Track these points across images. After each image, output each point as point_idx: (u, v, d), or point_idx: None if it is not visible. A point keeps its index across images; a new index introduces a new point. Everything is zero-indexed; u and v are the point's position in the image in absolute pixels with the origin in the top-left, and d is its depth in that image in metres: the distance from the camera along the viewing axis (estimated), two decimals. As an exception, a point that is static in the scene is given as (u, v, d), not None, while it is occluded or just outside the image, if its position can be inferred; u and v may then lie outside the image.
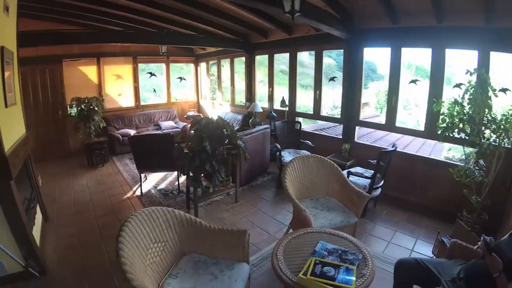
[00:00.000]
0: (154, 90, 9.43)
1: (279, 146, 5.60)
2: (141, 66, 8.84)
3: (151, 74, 9.06)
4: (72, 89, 7.49)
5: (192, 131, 4.17)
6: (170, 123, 8.83)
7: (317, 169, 3.61)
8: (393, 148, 4.17)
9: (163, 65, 9.24)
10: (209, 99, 9.63)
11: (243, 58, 7.95)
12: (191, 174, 4.05)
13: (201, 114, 9.48)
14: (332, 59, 15.77)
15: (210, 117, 4.46)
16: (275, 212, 4.43)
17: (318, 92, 6.10)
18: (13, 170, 2.75)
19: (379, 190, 4.21)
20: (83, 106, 6.74)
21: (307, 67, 8.15)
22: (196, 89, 9.98)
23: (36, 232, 3.59)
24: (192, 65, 9.88)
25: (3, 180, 2.69)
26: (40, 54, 6.91)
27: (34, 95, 7.19)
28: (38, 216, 4.05)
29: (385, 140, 8.08)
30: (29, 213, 3.44)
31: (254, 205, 4.68)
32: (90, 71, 7.88)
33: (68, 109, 7.46)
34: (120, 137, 7.62)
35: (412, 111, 13.22)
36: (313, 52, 6.29)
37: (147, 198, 5.07)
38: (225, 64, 8.83)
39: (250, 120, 7.44)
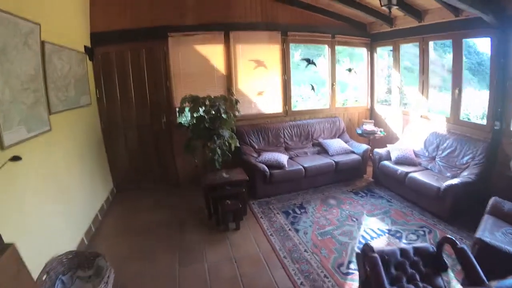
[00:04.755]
0: (313, 88, 5.72)
1: None
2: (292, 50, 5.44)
3: (308, 61, 5.43)
4: (183, 81, 4.69)
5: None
6: (340, 144, 5.07)
7: None
8: None
9: (325, 49, 5.58)
10: (397, 105, 5.43)
11: (479, 41, 3.99)
12: None
13: (381, 130, 5.34)
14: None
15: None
16: None
17: None
18: None
19: None
20: (201, 112, 3.70)
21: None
22: (370, 89, 5.99)
23: None
24: (364, 51, 5.92)
25: None
26: (132, 27, 4.36)
27: (122, 90, 4.57)
28: None
29: None
30: None
31: None
32: (213, 52, 4.79)
33: (177, 114, 4.36)
34: (266, 169, 4.19)
35: None
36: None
37: None
38: (438, 48, 4.71)
39: None
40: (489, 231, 2.78)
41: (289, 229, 3.51)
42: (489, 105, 3.98)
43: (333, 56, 5.49)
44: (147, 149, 4.73)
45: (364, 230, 3.53)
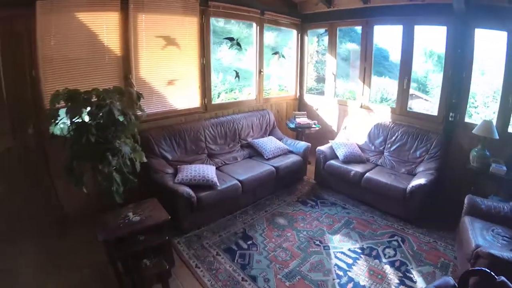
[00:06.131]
0: (237, 75, 4.65)
1: None
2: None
3: (233, 41, 4.38)
4: (59, 69, 3.03)
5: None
6: (275, 143, 4.28)
7: None
8: None
9: (253, 28, 4.64)
10: (331, 95, 5.00)
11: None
12: None
13: (315, 122, 4.77)
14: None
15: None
16: None
17: None
18: None
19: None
20: (84, 115, 2.32)
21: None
22: (298, 76, 5.39)
23: None
24: (293, 33, 5.26)
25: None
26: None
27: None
28: None
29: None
30: None
31: None
32: (103, 24, 3.22)
33: (52, 121, 2.72)
34: (191, 194, 3.02)
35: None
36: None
37: None
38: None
39: (473, 154, 3.36)
40: (480, 236, 2.47)
41: (242, 279, 2.47)
42: (441, 96, 3.85)
43: (261, 37, 4.58)
44: (12, 173, 2.91)
45: (335, 256, 2.83)
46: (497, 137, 3.15)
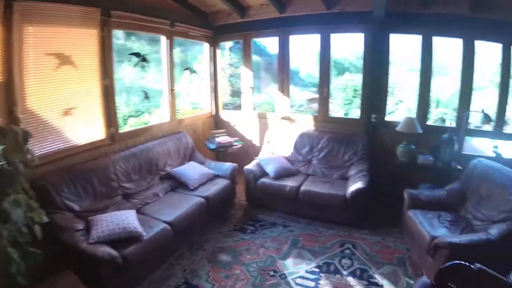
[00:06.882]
0: (146, 96, 4.07)
1: None
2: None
3: (139, 57, 3.86)
4: None
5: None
6: (198, 170, 3.94)
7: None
8: None
9: (161, 41, 4.20)
10: (250, 109, 5.01)
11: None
12: None
13: (237, 139, 4.65)
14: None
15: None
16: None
17: None
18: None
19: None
20: None
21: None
22: (213, 92, 5.15)
23: None
24: (204, 46, 5.05)
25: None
26: None
27: None
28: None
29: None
30: None
31: None
32: None
33: None
34: (114, 254, 2.40)
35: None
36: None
37: None
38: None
39: (400, 150, 3.70)
40: (429, 226, 2.67)
41: None
42: (362, 98, 4.14)
43: (171, 51, 4.18)
44: None
45: (296, 283, 2.68)
46: (421, 131, 3.54)
